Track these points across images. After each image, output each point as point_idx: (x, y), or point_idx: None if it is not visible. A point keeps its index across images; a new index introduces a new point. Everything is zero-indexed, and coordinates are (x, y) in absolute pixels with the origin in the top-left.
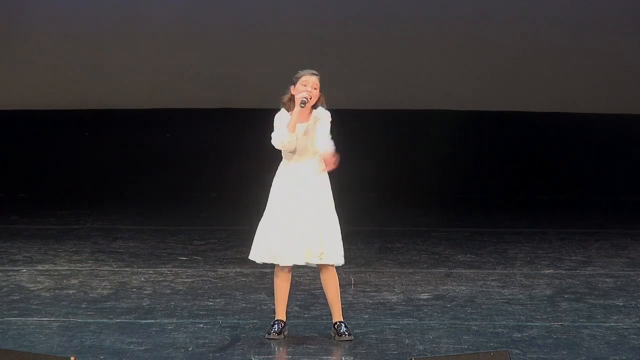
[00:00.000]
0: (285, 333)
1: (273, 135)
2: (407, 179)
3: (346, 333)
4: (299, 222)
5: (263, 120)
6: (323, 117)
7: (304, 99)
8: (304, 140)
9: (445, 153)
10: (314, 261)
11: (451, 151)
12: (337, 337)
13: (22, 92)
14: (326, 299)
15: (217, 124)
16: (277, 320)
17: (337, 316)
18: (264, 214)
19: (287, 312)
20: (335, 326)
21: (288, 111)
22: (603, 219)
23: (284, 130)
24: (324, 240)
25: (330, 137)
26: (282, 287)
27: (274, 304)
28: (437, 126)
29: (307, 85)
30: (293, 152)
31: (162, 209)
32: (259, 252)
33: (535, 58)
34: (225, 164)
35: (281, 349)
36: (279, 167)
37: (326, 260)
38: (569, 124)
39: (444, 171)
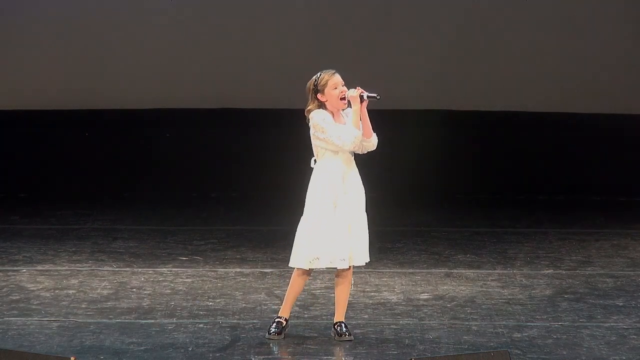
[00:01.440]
0: (286, 331)
1: (337, 136)
2: (406, 179)
3: (346, 333)
4: (349, 222)
5: (263, 120)
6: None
7: (364, 93)
8: None
9: (445, 153)
10: (347, 265)
11: (451, 151)
12: (337, 337)
13: (22, 92)
14: (327, 299)
15: (217, 124)
16: (278, 318)
17: (340, 316)
18: (309, 217)
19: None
20: (336, 326)
21: (326, 110)
22: (603, 219)
23: (355, 130)
24: (357, 243)
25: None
26: (297, 287)
27: (275, 303)
28: (437, 126)
29: (337, 87)
30: (337, 152)
31: (162, 209)
32: (302, 259)
33: (535, 58)
34: (225, 164)
35: (281, 349)
36: (320, 169)
37: (357, 262)
38: (569, 124)
39: (443, 171)
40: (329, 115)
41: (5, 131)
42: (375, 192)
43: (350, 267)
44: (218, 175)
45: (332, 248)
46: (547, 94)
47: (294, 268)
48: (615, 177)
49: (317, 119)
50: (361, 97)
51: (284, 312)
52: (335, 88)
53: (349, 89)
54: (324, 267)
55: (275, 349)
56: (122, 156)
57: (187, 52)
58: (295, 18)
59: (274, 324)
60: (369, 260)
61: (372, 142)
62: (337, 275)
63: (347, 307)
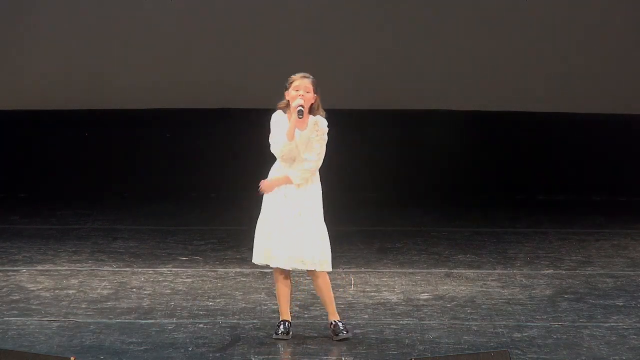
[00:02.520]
0: (291, 333)
1: (271, 141)
2: (406, 179)
3: (344, 331)
4: (287, 227)
5: (263, 121)
6: (320, 134)
7: (301, 108)
8: (299, 147)
9: (445, 153)
10: (299, 267)
11: (451, 151)
12: (334, 337)
13: (22, 92)
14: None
15: (217, 124)
16: (282, 320)
17: (333, 315)
18: (259, 216)
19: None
20: (332, 325)
21: (285, 113)
22: (603, 219)
23: (283, 138)
24: (308, 246)
25: (320, 156)
26: (281, 287)
27: (275, 303)
28: (437, 126)
29: (298, 90)
30: (290, 159)
31: (162, 209)
32: (257, 254)
33: (535, 58)
34: (225, 164)
35: (281, 349)
36: (272, 169)
37: (311, 267)
38: (569, 124)
39: (444, 171)
40: (284, 119)
41: (5, 131)
42: (375, 192)
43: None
44: (218, 175)
45: (267, 247)
46: (547, 94)
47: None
48: (615, 177)
49: (271, 120)
50: (298, 111)
51: (283, 315)
52: (297, 90)
53: (307, 100)
54: (264, 263)
55: (275, 349)
56: (122, 156)
57: (187, 52)
58: (295, 19)
59: (281, 325)
60: (327, 269)
61: (305, 167)
62: (313, 279)
63: (348, 307)
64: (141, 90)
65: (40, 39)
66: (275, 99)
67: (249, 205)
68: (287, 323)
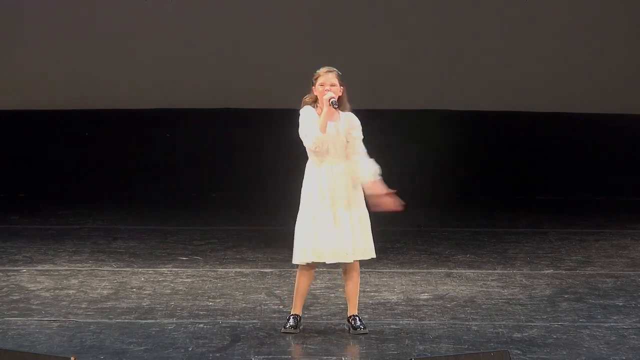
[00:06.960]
0: (300, 327)
1: (304, 134)
2: (406, 179)
3: (361, 327)
4: (336, 222)
5: (263, 121)
6: (356, 128)
7: (333, 99)
8: (334, 139)
9: (445, 153)
10: (350, 259)
11: (451, 151)
12: (352, 331)
13: (22, 92)
14: (327, 299)
15: (217, 124)
16: (293, 314)
17: (353, 310)
18: (300, 216)
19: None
20: (350, 319)
21: (313, 108)
22: (603, 219)
23: (316, 131)
24: (358, 237)
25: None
26: (305, 284)
27: (275, 303)
28: (437, 126)
29: (325, 85)
30: (324, 151)
31: (162, 209)
32: (302, 254)
33: (535, 58)
34: (226, 164)
35: (281, 349)
36: (307, 168)
37: (362, 256)
38: (569, 124)
39: (443, 171)
40: (313, 114)
41: (5, 131)
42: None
43: (354, 261)
44: (218, 175)
45: (325, 243)
46: (547, 94)
47: (297, 266)
48: (615, 177)
49: (301, 115)
50: (331, 102)
51: (296, 309)
52: (323, 85)
53: (335, 92)
54: (327, 262)
55: (275, 349)
56: (122, 156)
57: (187, 52)
58: (295, 19)
59: (291, 319)
60: (374, 256)
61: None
62: (344, 271)
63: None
64: (141, 90)
65: (40, 39)
66: (274, 99)
67: (248, 206)
68: (298, 317)
